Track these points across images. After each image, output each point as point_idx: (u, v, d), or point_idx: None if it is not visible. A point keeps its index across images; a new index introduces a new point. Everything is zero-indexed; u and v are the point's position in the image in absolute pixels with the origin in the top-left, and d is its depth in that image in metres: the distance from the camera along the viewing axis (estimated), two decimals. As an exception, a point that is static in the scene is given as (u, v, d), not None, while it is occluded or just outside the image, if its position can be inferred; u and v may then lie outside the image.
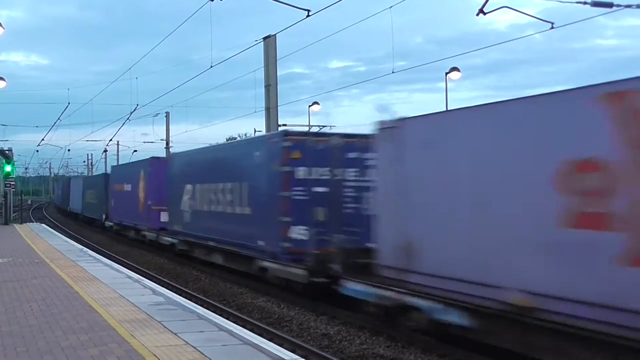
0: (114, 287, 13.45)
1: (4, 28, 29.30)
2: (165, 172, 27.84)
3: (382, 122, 12.75)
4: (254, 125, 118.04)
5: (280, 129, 27.34)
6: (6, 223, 40.12)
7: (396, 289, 12.02)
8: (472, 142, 10.56)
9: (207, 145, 27.11)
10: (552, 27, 18.51)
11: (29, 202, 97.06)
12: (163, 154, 51.83)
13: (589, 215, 8.52)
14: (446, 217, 10.95)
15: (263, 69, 26.96)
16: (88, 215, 50.03)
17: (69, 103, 41.43)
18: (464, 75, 45.35)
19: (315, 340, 12.92)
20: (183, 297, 13.59)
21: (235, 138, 70.90)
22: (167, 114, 52.34)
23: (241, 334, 9.16)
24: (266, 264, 17.72)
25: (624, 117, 8.16)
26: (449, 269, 10.71)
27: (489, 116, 10.48)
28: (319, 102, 44.96)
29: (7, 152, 41.90)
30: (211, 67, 25.43)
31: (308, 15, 18.74)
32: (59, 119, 43.32)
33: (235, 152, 21.72)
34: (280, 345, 9.80)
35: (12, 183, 41.33)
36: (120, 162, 68.33)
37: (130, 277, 15.38)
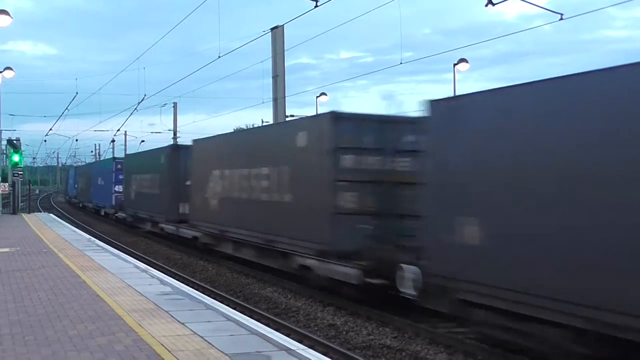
0: (121, 277, 13.48)
1: (12, 18, 29.30)
2: None
3: None
4: (261, 116, 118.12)
5: (287, 119, 27.36)
6: (14, 212, 40.28)
7: None
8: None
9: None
10: (562, 18, 18.41)
11: (37, 191, 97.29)
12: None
13: None
14: None
15: (271, 59, 26.95)
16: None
17: (76, 93, 41.62)
18: (472, 67, 45.21)
19: (322, 330, 12.94)
20: (190, 287, 13.62)
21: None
22: (175, 105, 52.45)
23: (248, 324, 9.17)
24: None
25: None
26: None
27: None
28: (326, 93, 44.94)
29: (15, 141, 42.03)
30: (219, 57, 25.43)
31: (316, 6, 18.69)
32: (66, 108, 43.53)
33: None
34: (287, 335, 9.81)
35: (20, 173, 41.46)
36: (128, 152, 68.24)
37: (137, 267, 15.42)
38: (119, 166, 41.16)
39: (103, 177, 44.73)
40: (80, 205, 60.14)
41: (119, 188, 40.13)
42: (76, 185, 65.38)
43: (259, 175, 18.65)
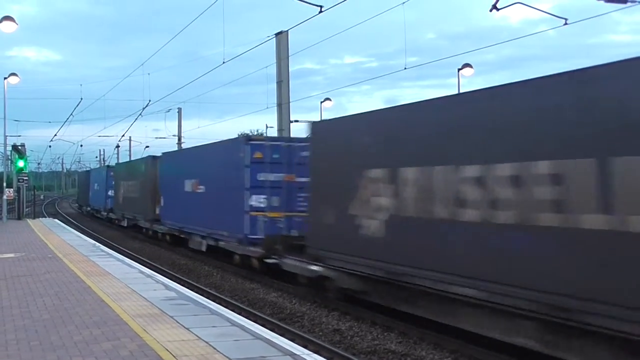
0: (126, 282, 13.50)
1: (17, 24, 29.43)
2: None
3: None
4: (265, 122, 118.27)
5: (292, 125, 27.42)
6: (19, 218, 40.37)
7: None
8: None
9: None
10: (566, 23, 18.45)
11: (42, 197, 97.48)
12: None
13: None
14: None
15: (275, 65, 27.01)
16: None
17: (81, 98, 41.62)
18: (477, 72, 45.19)
19: (327, 335, 12.92)
20: (195, 292, 13.62)
21: (247, 134, 70.67)
22: (179, 110, 52.58)
23: (253, 329, 9.17)
24: None
25: None
26: None
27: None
28: (330, 98, 45.00)
29: (20, 147, 42.12)
30: (223, 62, 25.52)
31: (321, 11, 18.74)
32: (71, 114, 43.66)
33: None
34: (292, 340, 9.82)
35: (24, 178, 41.53)
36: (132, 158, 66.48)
37: (142, 272, 15.43)
38: (257, 155, 20.02)
39: (211, 179, 23.45)
40: (124, 224, 39.36)
41: (261, 200, 19.86)
42: (110, 193, 44.64)
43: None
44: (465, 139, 10.91)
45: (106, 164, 74.41)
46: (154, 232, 31.88)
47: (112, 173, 45.80)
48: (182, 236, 27.08)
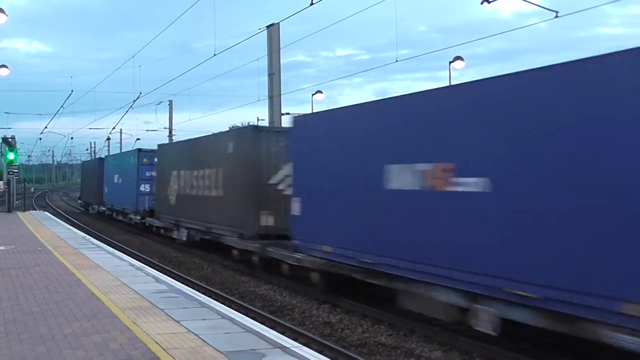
0: (116, 275, 13.47)
1: (7, 15, 29.24)
2: None
3: None
4: (257, 114, 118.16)
5: (283, 117, 27.39)
6: (9, 211, 40.19)
7: None
8: None
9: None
10: (557, 16, 18.48)
11: (32, 190, 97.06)
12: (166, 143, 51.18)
13: None
14: None
15: (266, 57, 26.98)
16: None
17: (72, 91, 41.41)
18: (468, 64, 45.20)
19: (317, 328, 12.95)
20: (186, 285, 13.62)
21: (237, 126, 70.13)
22: (170, 102, 52.44)
23: (243, 322, 9.18)
24: None
25: None
26: None
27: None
28: (322, 90, 44.78)
29: (10, 139, 41.92)
30: (214, 55, 25.40)
31: (312, 4, 18.72)
32: (62, 106, 43.42)
33: None
34: (282, 333, 9.84)
35: (15, 171, 41.33)
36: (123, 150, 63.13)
37: (132, 265, 15.41)
38: None
39: (527, 163, 9.50)
40: (180, 237, 26.19)
41: None
42: (144, 188, 33.73)
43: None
44: None
45: (97, 155, 72.79)
46: (266, 260, 18.68)
47: (145, 159, 34.05)
48: (371, 281, 13.58)
